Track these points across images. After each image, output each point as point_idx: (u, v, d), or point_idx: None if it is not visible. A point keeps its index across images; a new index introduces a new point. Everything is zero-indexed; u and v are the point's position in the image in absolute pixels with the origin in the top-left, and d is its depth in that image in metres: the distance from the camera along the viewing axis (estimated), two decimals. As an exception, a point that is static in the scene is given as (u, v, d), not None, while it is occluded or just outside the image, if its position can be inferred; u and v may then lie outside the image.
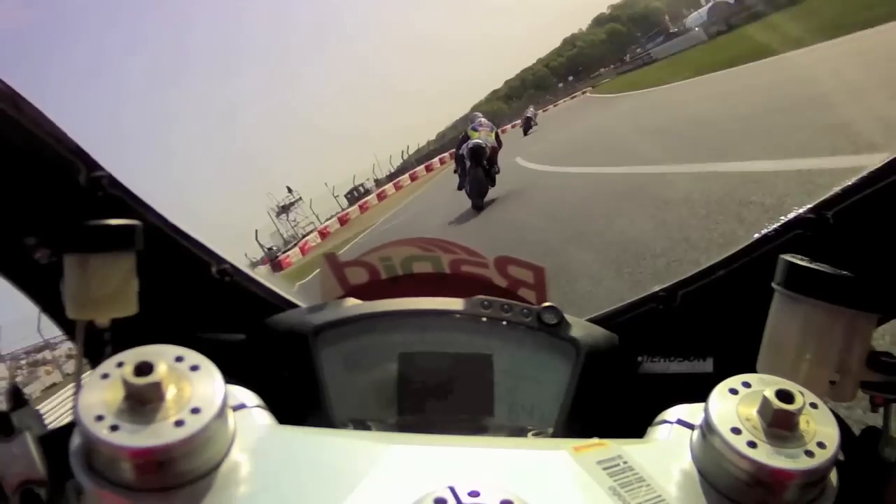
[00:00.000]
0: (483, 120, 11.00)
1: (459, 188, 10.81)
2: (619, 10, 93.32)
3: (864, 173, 0.54)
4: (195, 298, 0.70)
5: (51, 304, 0.57)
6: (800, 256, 0.51)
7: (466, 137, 10.46)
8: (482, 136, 10.22)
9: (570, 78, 79.98)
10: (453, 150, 12.14)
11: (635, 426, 0.51)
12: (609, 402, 0.65)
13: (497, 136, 10.73)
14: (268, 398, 0.50)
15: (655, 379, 0.68)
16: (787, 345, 0.51)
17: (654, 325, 0.69)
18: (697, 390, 0.45)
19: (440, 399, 0.65)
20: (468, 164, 10.14)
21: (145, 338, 0.62)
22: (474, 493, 0.36)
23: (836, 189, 0.56)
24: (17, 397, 0.44)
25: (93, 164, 0.57)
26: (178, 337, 0.59)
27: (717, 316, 0.66)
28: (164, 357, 0.40)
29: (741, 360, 0.53)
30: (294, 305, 0.74)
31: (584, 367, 0.64)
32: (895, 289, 0.49)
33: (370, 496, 0.39)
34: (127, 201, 0.61)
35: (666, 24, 48.96)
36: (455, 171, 11.27)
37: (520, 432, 0.64)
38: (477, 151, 9.95)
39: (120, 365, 0.39)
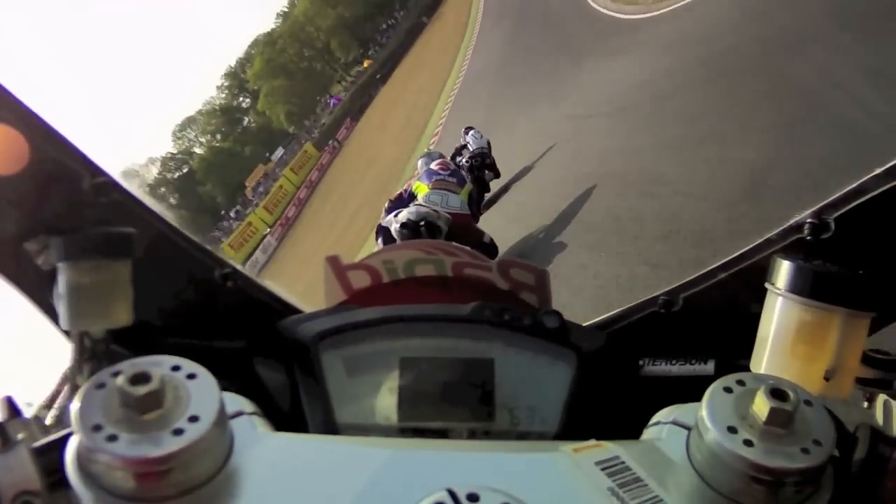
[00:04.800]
0: (451, 159, 6.07)
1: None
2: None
3: (867, 177, 0.53)
4: (198, 303, 0.69)
5: (53, 310, 0.57)
6: (793, 256, 0.51)
7: (408, 196, 5.34)
8: (436, 196, 5.11)
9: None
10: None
11: (638, 429, 0.51)
12: (610, 405, 0.65)
13: (473, 197, 5.62)
14: (269, 404, 0.50)
15: (657, 381, 0.68)
16: (781, 343, 0.51)
17: (655, 328, 0.69)
18: (699, 392, 0.44)
19: (441, 404, 0.64)
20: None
21: (146, 344, 0.62)
22: (473, 497, 0.36)
23: (839, 193, 0.55)
24: (13, 407, 0.44)
25: (96, 170, 0.57)
26: (178, 344, 0.58)
27: (718, 319, 0.66)
28: (160, 366, 0.40)
29: (743, 362, 0.53)
30: (296, 310, 0.74)
31: (585, 371, 0.64)
32: (890, 288, 0.49)
33: (369, 501, 0.39)
34: (130, 207, 0.60)
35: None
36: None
37: (521, 438, 0.64)
38: (413, 229, 4.64)
39: (116, 374, 0.39)
